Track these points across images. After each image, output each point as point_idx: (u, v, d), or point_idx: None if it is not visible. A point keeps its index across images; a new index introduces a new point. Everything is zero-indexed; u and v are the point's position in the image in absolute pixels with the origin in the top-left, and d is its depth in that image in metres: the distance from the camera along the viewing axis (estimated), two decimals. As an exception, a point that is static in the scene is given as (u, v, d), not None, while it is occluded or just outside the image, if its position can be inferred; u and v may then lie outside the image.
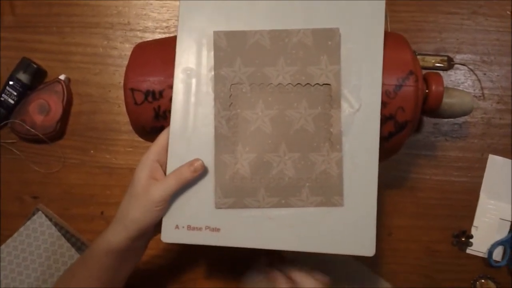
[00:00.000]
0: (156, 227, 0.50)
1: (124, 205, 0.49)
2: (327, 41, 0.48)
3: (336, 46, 0.48)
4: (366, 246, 0.49)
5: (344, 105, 0.49)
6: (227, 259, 0.69)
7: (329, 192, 0.49)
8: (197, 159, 0.49)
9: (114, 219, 0.50)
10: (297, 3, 0.49)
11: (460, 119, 0.70)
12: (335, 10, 0.49)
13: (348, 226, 0.49)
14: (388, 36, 0.50)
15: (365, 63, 0.49)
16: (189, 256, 0.70)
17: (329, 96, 0.48)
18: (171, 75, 0.50)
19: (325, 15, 0.49)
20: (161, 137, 0.50)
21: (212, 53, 0.50)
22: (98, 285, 0.51)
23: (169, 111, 0.50)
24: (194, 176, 0.48)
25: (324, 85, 0.48)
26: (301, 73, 0.49)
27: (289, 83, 0.49)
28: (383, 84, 0.49)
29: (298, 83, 0.49)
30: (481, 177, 0.70)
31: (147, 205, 0.47)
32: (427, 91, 0.53)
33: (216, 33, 0.49)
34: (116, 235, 0.49)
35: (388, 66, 0.49)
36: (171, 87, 0.50)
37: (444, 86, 0.53)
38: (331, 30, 0.49)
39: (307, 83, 0.48)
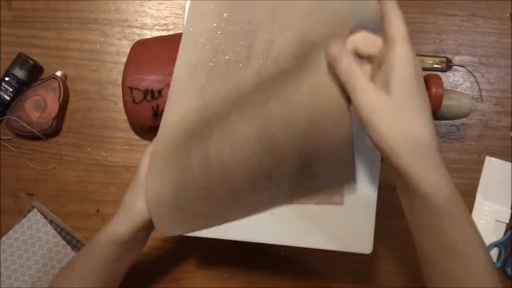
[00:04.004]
0: None
1: (128, 197, 0.49)
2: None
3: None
4: (364, 244, 0.50)
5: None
6: (223, 255, 0.69)
7: (330, 191, 0.49)
8: None
9: (118, 211, 0.50)
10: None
11: (458, 121, 0.70)
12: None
13: (347, 224, 0.50)
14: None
15: None
16: (185, 252, 0.70)
17: None
18: (170, 73, 0.49)
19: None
20: None
21: None
22: (99, 277, 0.51)
23: (168, 110, 0.50)
24: None
25: None
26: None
27: None
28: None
29: None
30: (478, 179, 0.70)
31: None
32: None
33: None
34: (122, 225, 0.49)
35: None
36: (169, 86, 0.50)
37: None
38: None
39: None
